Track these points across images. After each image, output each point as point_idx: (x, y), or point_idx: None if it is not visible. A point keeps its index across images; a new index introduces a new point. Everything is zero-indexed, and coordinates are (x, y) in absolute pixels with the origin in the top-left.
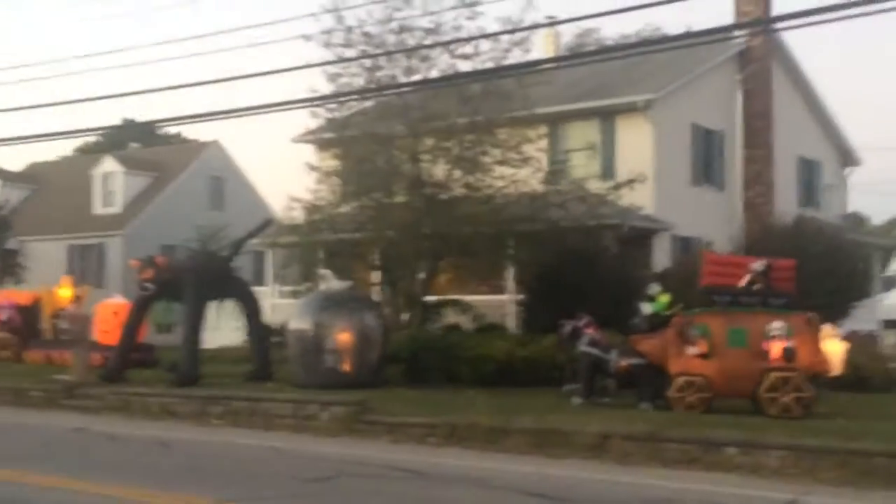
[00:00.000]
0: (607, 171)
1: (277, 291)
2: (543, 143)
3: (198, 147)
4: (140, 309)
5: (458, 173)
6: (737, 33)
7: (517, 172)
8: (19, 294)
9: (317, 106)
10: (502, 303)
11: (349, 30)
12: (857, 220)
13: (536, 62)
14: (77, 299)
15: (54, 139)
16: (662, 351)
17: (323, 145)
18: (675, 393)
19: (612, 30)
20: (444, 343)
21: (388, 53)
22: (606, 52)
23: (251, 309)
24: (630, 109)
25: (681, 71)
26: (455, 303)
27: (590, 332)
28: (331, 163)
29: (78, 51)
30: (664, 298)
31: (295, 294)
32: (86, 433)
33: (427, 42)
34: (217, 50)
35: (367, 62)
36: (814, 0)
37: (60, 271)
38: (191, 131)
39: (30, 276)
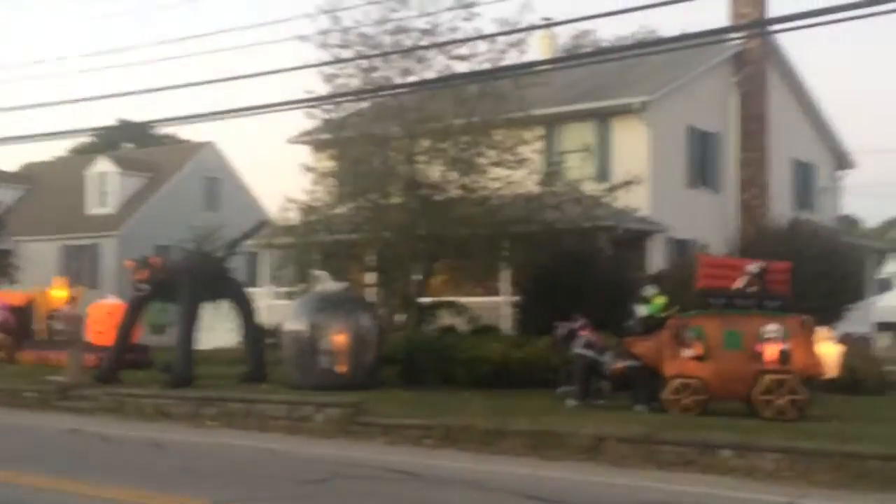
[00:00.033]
0: (603, 173)
1: (273, 292)
2: (539, 144)
3: (193, 148)
4: (134, 310)
5: (453, 175)
6: (733, 35)
7: (513, 174)
8: (13, 295)
9: (313, 107)
10: (497, 304)
11: (346, 30)
12: (850, 223)
13: (532, 63)
14: (71, 300)
15: (48, 139)
16: (657, 353)
17: (319, 146)
18: (670, 395)
19: (609, 31)
20: (440, 345)
21: (385, 54)
22: (603, 53)
23: (246, 310)
24: (626, 111)
25: (676, 73)
26: (450, 304)
27: (585, 334)
28: (327, 164)
29: (73, 51)
30: (659, 300)
31: (290, 295)
32: (80, 434)
33: (423, 43)
34: (212, 50)
35: (364, 63)
36: (809, 3)
37: (54, 272)
38: (185, 132)
39: (23, 276)
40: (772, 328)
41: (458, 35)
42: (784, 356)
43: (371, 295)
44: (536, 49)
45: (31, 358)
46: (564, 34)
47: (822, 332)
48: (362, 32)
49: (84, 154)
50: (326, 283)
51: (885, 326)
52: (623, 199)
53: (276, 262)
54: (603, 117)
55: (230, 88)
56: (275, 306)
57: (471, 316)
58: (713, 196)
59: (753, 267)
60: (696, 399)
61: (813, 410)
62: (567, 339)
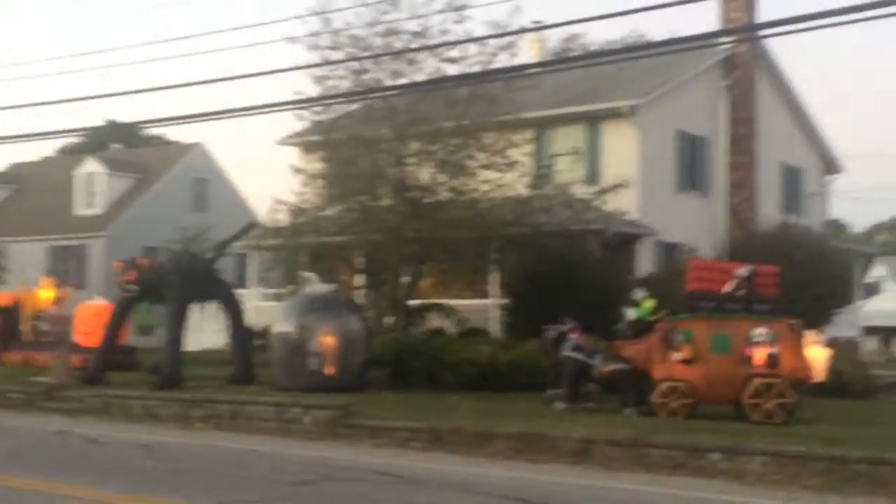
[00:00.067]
0: (592, 176)
1: (261, 294)
2: (529, 147)
3: (181, 149)
4: (122, 311)
5: (443, 177)
6: (722, 40)
7: (502, 177)
8: None
9: (302, 108)
10: (486, 307)
11: (336, 32)
12: (838, 228)
13: (523, 66)
14: (58, 301)
15: (36, 139)
16: (646, 356)
17: (308, 148)
18: (658, 398)
19: (599, 35)
20: (428, 347)
21: (375, 56)
22: (593, 57)
23: (234, 311)
24: (615, 115)
25: (666, 77)
26: (439, 307)
27: (574, 337)
28: (316, 165)
29: (60, 51)
30: (649, 304)
31: (279, 297)
32: (67, 436)
33: (414, 45)
34: (203, 52)
35: (354, 65)
36: (798, 7)
37: (41, 272)
38: (174, 133)
39: (10, 277)
40: (760, 332)
41: (449, 38)
42: (772, 360)
43: (360, 297)
44: (527, 52)
45: (17, 359)
46: (555, 37)
47: (810, 335)
48: (353, 34)
49: (72, 154)
50: (315, 285)
51: (871, 330)
52: (612, 203)
53: (264, 263)
54: (593, 121)
55: (220, 90)
56: (263, 308)
57: (459, 318)
58: (702, 200)
59: (742, 271)
60: (684, 402)
61: (801, 414)
62: (556, 342)
